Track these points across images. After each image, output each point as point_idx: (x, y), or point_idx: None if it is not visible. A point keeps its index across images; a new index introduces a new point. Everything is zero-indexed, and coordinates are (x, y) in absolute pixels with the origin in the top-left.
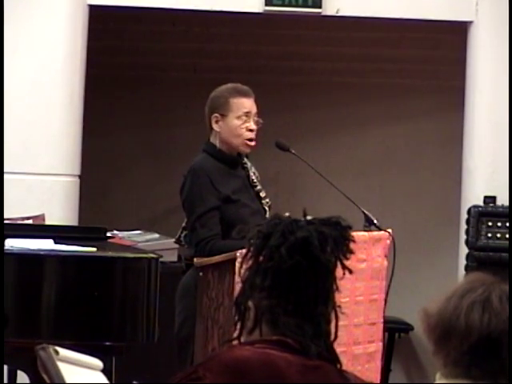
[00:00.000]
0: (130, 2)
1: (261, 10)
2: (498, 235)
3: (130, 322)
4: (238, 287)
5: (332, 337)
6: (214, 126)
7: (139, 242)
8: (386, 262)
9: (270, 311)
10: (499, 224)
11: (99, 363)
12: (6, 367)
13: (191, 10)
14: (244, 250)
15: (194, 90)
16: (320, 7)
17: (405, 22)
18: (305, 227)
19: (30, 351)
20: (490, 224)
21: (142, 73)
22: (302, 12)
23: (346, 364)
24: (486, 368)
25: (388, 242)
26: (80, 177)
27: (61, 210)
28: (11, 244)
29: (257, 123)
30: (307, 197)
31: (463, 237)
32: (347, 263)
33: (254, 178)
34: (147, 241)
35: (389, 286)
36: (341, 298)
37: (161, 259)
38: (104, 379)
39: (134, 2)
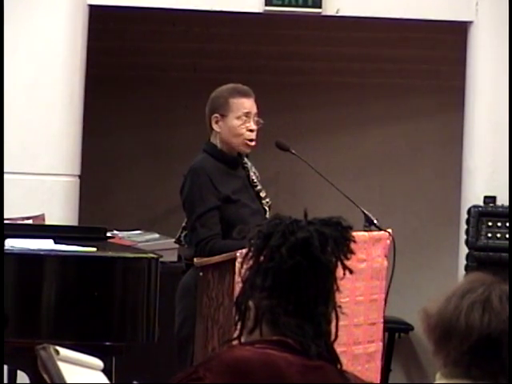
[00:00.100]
0: (129, 2)
1: (261, 10)
2: (498, 235)
3: (130, 322)
4: (238, 287)
5: (332, 337)
6: (214, 127)
7: (139, 242)
8: (385, 262)
9: (270, 311)
10: (499, 224)
11: (99, 363)
12: (6, 367)
13: (191, 10)
14: (244, 250)
15: (194, 90)
16: (320, 7)
17: (405, 22)
18: (305, 227)
19: (30, 351)
20: (490, 224)
21: (142, 73)
22: (302, 12)
23: (346, 364)
24: (486, 368)
25: (388, 242)
26: (80, 177)
27: (61, 210)
28: (11, 244)
29: (257, 123)
30: (307, 197)
31: (463, 237)
32: (347, 263)
33: (254, 177)
34: (147, 241)
35: (389, 286)
36: (341, 298)
37: (161, 259)
38: (104, 379)
39: (134, 2)
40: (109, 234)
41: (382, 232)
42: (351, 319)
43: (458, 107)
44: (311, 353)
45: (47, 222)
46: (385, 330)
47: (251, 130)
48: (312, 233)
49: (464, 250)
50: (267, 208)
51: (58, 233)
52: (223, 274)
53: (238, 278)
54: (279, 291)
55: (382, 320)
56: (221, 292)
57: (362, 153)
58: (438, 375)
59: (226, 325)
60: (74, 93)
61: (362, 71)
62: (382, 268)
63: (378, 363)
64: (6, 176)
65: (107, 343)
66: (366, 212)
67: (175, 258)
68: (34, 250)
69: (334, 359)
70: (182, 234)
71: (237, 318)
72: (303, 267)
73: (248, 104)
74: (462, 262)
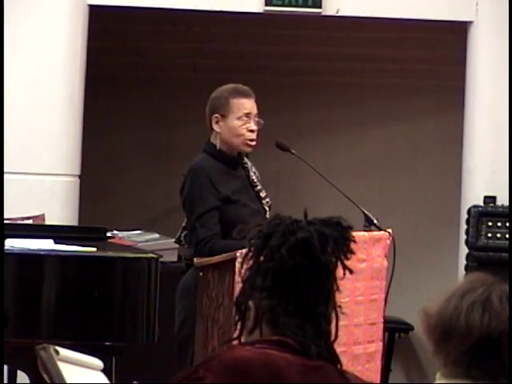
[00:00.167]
0: (130, 2)
1: (261, 10)
2: (498, 235)
3: (130, 322)
4: (238, 287)
5: (332, 337)
6: (215, 127)
7: (139, 242)
8: (385, 262)
9: (270, 311)
10: (499, 224)
11: (99, 363)
12: (6, 367)
13: (191, 10)
14: (244, 250)
15: (194, 90)
16: (320, 7)
17: (405, 22)
18: (305, 228)
19: (30, 351)
20: (490, 224)
21: (142, 73)
22: (302, 12)
23: (346, 364)
24: (486, 368)
25: (388, 242)
26: (80, 177)
27: (61, 210)
28: (11, 244)
29: (257, 124)
30: (307, 197)
31: (463, 237)
32: (347, 263)
33: (254, 178)
34: (147, 241)
35: (389, 286)
36: (341, 298)
37: (161, 259)
38: (104, 379)
39: (134, 2)
40: (109, 234)
41: (382, 232)
42: (351, 319)
43: (458, 107)
44: (311, 353)
45: (47, 222)
46: (385, 330)
47: (252, 131)
48: (312, 233)
49: (464, 250)
50: (267, 208)
51: (58, 233)
52: (223, 274)
53: (238, 278)
54: (279, 291)
55: (381, 320)
56: (221, 292)
57: (362, 153)
58: (438, 375)
59: (225, 325)
60: (74, 93)
61: (362, 71)
62: (382, 268)
63: (378, 363)
64: (5, 176)
65: (107, 343)
66: (366, 212)
67: (175, 258)
68: (33, 249)
69: (334, 359)
70: (182, 234)
71: (237, 318)
72: (303, 267)
73: (248, 104)
74: (462, 262)
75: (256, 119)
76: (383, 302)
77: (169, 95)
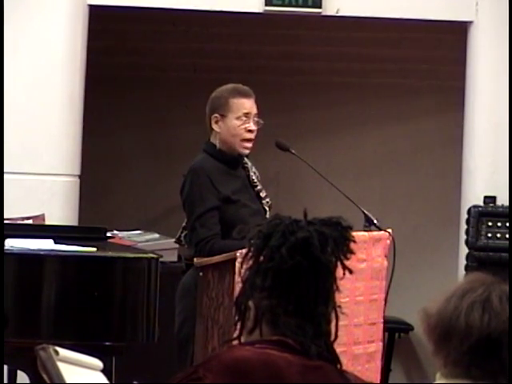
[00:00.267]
0: (130, 2)
1: (261, 10)
2: (498, 235)
3: (130, 322)
4: (238, 287)
5: (332, 337)
6: (214, 127)
7: (139, 242)
8: (385, 262)
9: (270, 311)
10: (499, 224)
11: (99, 363)
12: (6, 367)
13: (191, 10)
14: (244, 250)
15: (194, 90)
16: (320, 7)
17: (405, 22)
18: (305, 228)
19: (30, 351)
20: (490, 224)
21: (142, 73)
22: (302, 12)
23: (346, 364)
24: (486, 368)
25: (388, 242)
26: (80, 177)
27: (61, 210)
28: (11, 244)
29: (257, 124)
30: (307, 197)
31: (463, 237)
32: (347, 263)
33: (254, 178)
34: (147, 241)
35: (389, 286)
36: (341, 298)
37: (161, 259)
38: (104, 379)
39: (134, 2)
40: (109, 234)
41: (382, 232)
42: (351, 319)
43: (458, 107)
44: (311, 353)
45: (47, 222)
46: (385, 330)
47: (251, 131)
48: (312, 233)
49: (464, 250)
50: (267, 208)
51: (58, 233)
52: (223, 274)
53: (238, 278)
54: (279, 291)
55: (381, 320)
56: (221, 292)
57: (362, 153)
58: (437, 375)
59: (225, 325)
60: (74, 93)
61: (362, 71)
62: (382, 268)
63: (378, 363)
64: (5, 176)
65: (107, 343)
66: (366, 212)
67: (175, 258)
68: (33, 249)
69: (334, 359)
70: (182, 234)
71: (236, 318)
72: (303, 267)
73: (248, 104)
74: (462, 261)
75: (255, 119)
76: (383, 302)
77: (169, 95)
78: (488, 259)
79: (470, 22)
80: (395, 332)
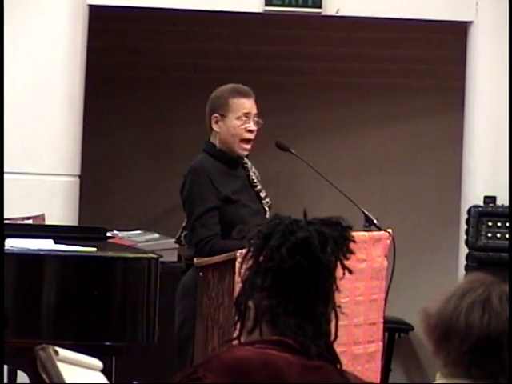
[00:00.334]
0: (130, 2)
1: (261, 10)
2: (498, 235)
3: (130, 322)
4: (238, 287)
5: (332, 337)
6: (214, 127)
7: (139, 242)
8: (385, 262)
9: (270, 311)
10: (499, 224)
11: (99, 363)
12: (6, 367)
13: (191, 10)
14: (244, 250)
15: (194, 90)
16: (320, 7)
17: (405, 22)
18: (305, 227)
19: (30, 351)
20: (489, 224)
21: (142, 73)
22: (302, 12)
23: (346, 364)
24: (486, 368)
25: (388, 242)
26: (80, 177)
27: (61, 210)
28: (11, 244)
29: (257, 124)
30: (307, 197)
31: (463, 237)
32: (347, 263)
33: (254, 178)
34: (147, 241)
35: (389, 286)
36: (341, 298)
37: (161, 259)
38: (104, 379)
39: (134, 2)
40: (109, 234)
41: (382, 232)
42: (351, 319)
43: (458, 107)
44: (311, 353)
45: (47, 222)
46: (385, 330)
47: (250, 131)
48: (312, 233)
49: (464, 250)
50: (267, 208)
51: (58, 233)
52: (223, 274)
53: (237, 278)
54: (279, 291)
55: (381, 320)
56: (221, 292)
57: (362, 153)
58: (437, 375)
59: (225, 325)
60: (73, 93)
61: (362, 71)
62: (382, 268)
63: (378, 363)
64: (5, 176)
65: (107, 343)
66: (366, 212)
67: (175, 258)
68: (33, 249)
69: (334, 359)
70: (182, 234)
71: (236, 317)
72: (303, 267)
73: (248, 104)
74: (462, 262)
75: (255, 119)
76: (383, 302)
77: (169, 95)
78: (488, 259)
79: (470, 22)
80: (395, 332)
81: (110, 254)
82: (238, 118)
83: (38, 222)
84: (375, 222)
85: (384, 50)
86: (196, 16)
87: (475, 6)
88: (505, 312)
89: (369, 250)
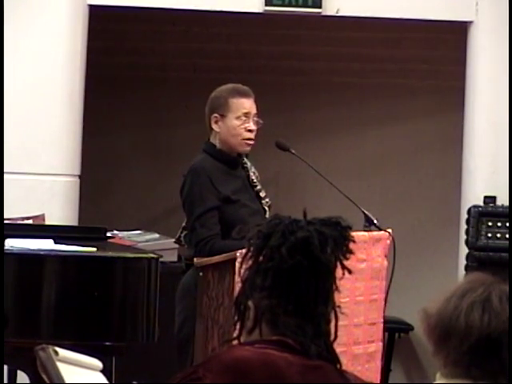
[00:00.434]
0: (129, 2)
1: (261, 10)
2: (498, 235)
3: (130, 322)
4: (238, 287)
5: (332, 337)
6: (214, 127)
7: (139, 242)
8: (385, 262)
9: (270, 311)
10: (499, 224)
11: (99, 363)
12: (6, 367)
13: (191, 10)
14: (244, 250)
15: (194, 89)
16: (320, 7)
17: (405, 22)
18: (305, 227)
19: (30, 351)
20: (489, 224)
21: (142, 73)
22: (302, 12)
23: (346, 364)
24: (486, 368)
25: (388, 242)
26: (80, 177)
27: (61, 210)
28: (11, 244)
29: (256, 123)
30: (307, 197)
31: (463, 237)
32: (347, 263)
33: (253, 178)
34: (147, 241)
35: (389, 286)
36: (341, 298)
37: (161, 259)
38: (103, 379)
39: (134, 2)
40: (109, 234)
41: (382, 232)
42: (351, 319)
43: (458, 107)
44: (311, 353)
45: (47, 222)
46: (385, 330)
47: (250, 131)
48: (312, 232)
49: (464, 250)
50: (267, 208)
51: (58, 233)
52: (223, 274)
53: (237, 278)
54: (279, 291)
55: (381, 320)
56: (221, 292)
57: (362, 153)
58: (437, 375)
59: (225, 325)
60: (74, 92)
61: (362, 71)
62: (382, 268)
63: (378, 363)
64: (5, 176)
65: (107, 343)
66: (366, 212)
67: (175, 258)
68: (33, 249)
69: (334, 359)
70: (182, 234)
71: (236, 317)
72: (303, 267)
73: (247, 104)
74: (462, 261)
75: (255, 119)
76: (383, 302)
77: (169, 95)
78: (488, 259)
79: (470, 22)
80: (395, 332)
81: (110, 254)
82: (238, 118)
83: (37, 222)
84: (375, 222)
85: (384, 50)
86: (196, 16)
87: (475, 5)
88: (505, 312)
89: (369, 250)
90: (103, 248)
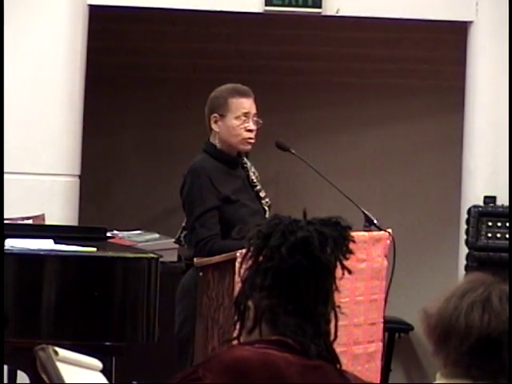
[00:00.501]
0: (129, 2)
1: (261, 10)
2: (498, 235)
3: (129, 322)
4: (238, 287)
5: (332, 337)
6: (214, 126)
7: (139, 242)
8: (385, 262)
9: (270, 311)
10: (499, 224)
11: (98, 363)
12: (6, 367)
13: (191, 10)
14: (244, 250)
15: (194, 89)
16: (320, 7)
17: (405, 22)
18: (305, 227)
19: (30, 351)
20: (489, 224)
21: (142, 73)
22: (302, 12)
23: (346, 364)
24: (485, 368)
25: (388, 242)
26: (80, 177)
27: (61, 210)
28: (11, 244)
29: (256, 123)
30: (307, 197)
31: (463, 237)
32: (347, 263)
33: (253, 178)
34: (147, 241)
35: (389, 286)
36: (341, 298)
37: (161, 259)
38: (103, 379)
39: (134, 2)
40: (109, 234)
41: (382, 232)
42: (351, 319)
43: (458, 107)
44: (311, 353)
45: (47, 222)
46: (385, 330)
47: (250, 130)
48: (312, 232)
49: (464, 250)
50: (267, 208)
51: (58, 233)
52: (223, 274)
53: (237, 278)
54: (279, 291)
55: (381, 320)
56: (221, 292)
57: (362, 153)
58: (438, 375)
59: (225, 325)
60: (73, 93)
61: (362, 71)
62: (382, 268)
63: (378, 363)
64: (5, 176)
65: (107, 343)
66: (366, 212)
67: (175, 258)
68: (33, 249)
69: (334, 359)
70: (182, 234)
71: (236, 317)
72: (303, 267)
73: (247, 104)
74: (462, 261)
75: (255, 119)
76: (383, 302)
77: (169, 95)
78: (488, 259)
79: (470, 22)
80: (395, 332)
81: (110, 253)
82: (238, 118)
83: (37, 222)
84: (375, 222)
85: (384, 50)
86: (196, 16)
87: (475, 5)
88: (505, 312)
89: (369, 250)
90: (103, 248)
